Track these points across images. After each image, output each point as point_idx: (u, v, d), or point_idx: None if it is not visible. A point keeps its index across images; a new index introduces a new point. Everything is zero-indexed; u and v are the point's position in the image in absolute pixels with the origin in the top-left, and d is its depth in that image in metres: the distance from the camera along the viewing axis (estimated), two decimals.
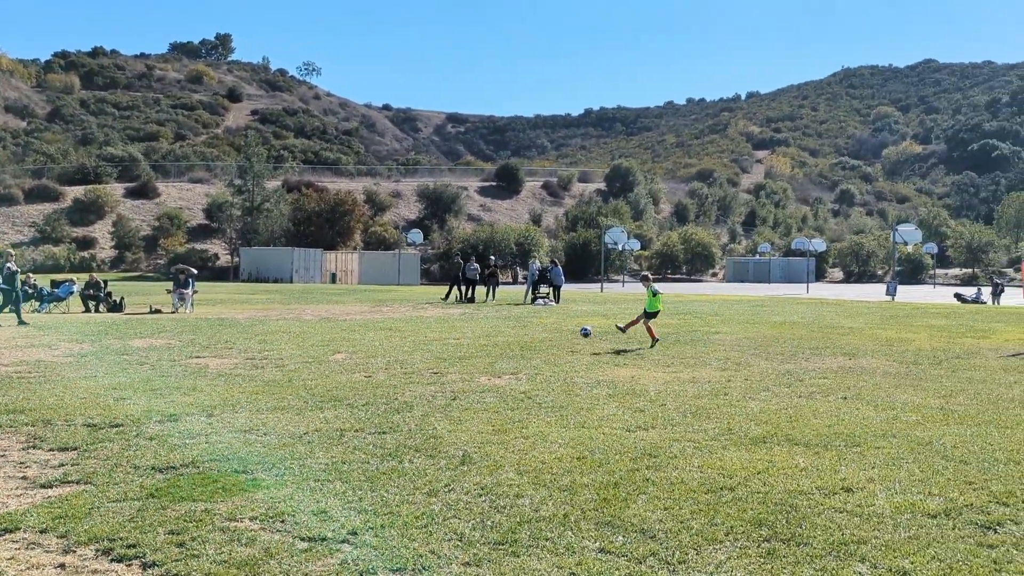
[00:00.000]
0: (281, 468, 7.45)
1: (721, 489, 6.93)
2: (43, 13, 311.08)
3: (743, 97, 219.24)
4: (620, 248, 62.70)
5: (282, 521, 6.05)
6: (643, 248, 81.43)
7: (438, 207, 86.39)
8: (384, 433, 8.90)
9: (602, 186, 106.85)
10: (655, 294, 18.06)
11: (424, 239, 72.86)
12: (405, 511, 6.27)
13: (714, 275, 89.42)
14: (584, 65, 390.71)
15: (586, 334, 18.73)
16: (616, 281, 69.35)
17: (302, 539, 5.71)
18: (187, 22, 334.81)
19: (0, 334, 19.39)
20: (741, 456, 8.03)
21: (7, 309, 22.66)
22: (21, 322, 22.08)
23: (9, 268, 22.76)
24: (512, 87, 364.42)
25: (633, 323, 18.42)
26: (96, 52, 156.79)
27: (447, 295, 34.88)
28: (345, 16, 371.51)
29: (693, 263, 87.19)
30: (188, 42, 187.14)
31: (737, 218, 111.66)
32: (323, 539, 5.71)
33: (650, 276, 19.27)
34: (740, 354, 16.06)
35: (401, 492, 6.75)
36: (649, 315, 17.84)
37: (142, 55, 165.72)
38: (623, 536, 5.84)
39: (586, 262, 74.62)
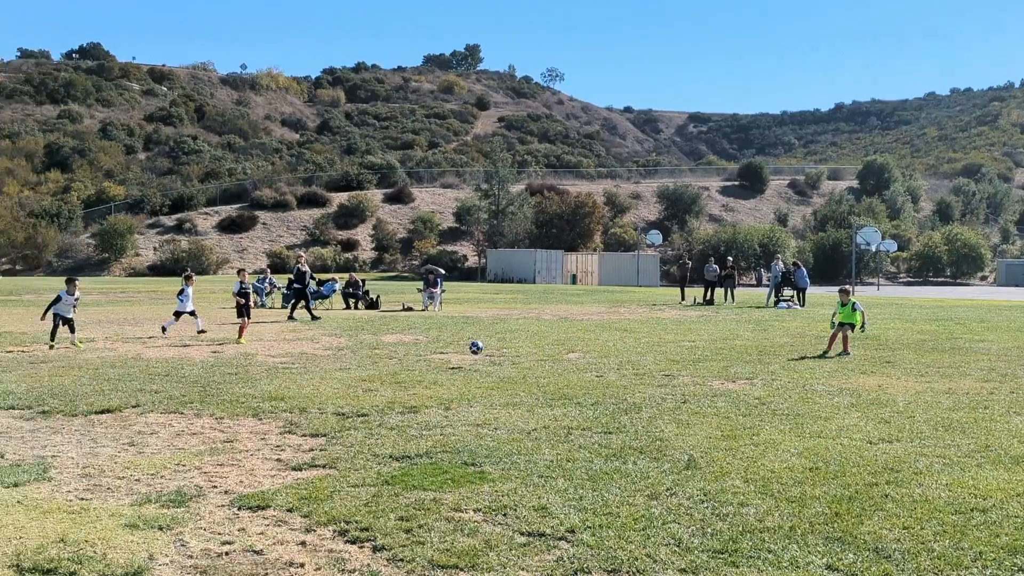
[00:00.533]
0: (508, 463, 7.64)
1: (972, 510, 6.37)
2: (313, 33, 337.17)
3: (1016, 84, 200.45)
4: (874, 249, 59.15)
5: (504, 514, 6.19)
6: (901, 249, 76.35)
7: (678, 208, 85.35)
8: (610, 433, 8.91)
9: (854, 184, 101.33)
10: (855, 309, 16.64)
11: (664, 240, 72.27)
12: (624, 512, 6.24)
13: (983, 278, 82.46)
14: (834, 58, 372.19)
15: (475, 350, 15.67)
16: (871, 284, 65.56)
17: (521, 533, 5.82)
18: (439, 35, 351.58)
19: (273, 328, 21.20)
20: (998, 476, 7.35)
21: (300, 304, 24.71)
22: (291, 318, 24.01)
23: (299, 269, 24.93)
24: (757, 84, 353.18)
25: (834, 339, 16.57)
26: (359, 67, 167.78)
27: (682, 297, 34.55)
28: (587, 21, 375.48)
29: (958, 265, 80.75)
30: (440, 54, 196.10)
31: (1010, 216, 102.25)
32: (542, 535, 5.79)
33: (850, 290, 17.79)
34: (1007, 364, 14.71)
35: (622, 493, 6.73)
36: (846, 325, 16.48)
37: (399, 68, 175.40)
38: (854, 554, 5.50)
39: (836, 264, 71.04)
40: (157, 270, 69.28)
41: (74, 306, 17.22)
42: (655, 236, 65.47)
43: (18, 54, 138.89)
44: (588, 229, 75.19)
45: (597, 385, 12.13)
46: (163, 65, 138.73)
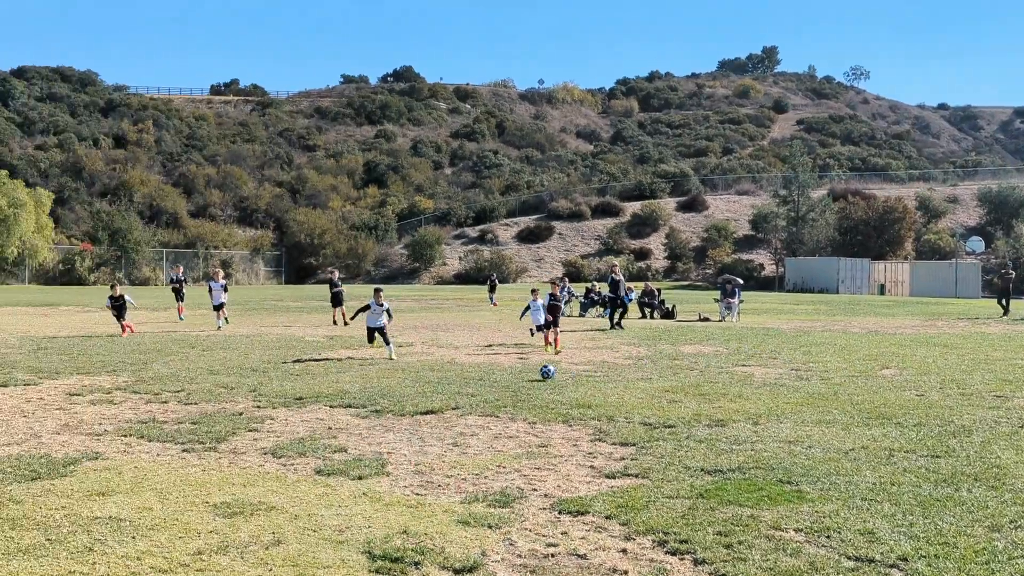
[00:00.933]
0: (826, 483, 7.35)
1: None
2: (607, 45, 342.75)
3: None
4: None
5: (827, 536, 5.97)
6: None
7: (1003, 212, 77.80)
8: (938, 457, 8.31)
9: None
10: None
11: (986, 247, 66.23)
12: (962, 543, 5.80)
13: None
14: None
15: (546, 375, 13.85)
16: None
17: (848, 557, 5.58)
18: (735, 39, 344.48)
19: (572, 336, 21.78)
20: None
21: (611, 313, 25.27)
22: (615, 325, 24.38)
23: (613, 278, 25.40)
24: None
25: None
26: (652, 76, 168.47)
27: (1004, 310, 31.55)
28: (895, 15, 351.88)
29: None
30: (735, 58, 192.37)
31: None
32: (871, 560, 5.52)
33: None
34: None
35: (957, 522, 6.26)
36: None
37: (693, 75, 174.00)
38: None
39: None
40: (462, 278, 73.55)
41: (384, 314, 17.51)
42: (976, 243, 60.19)
43: (341, 80, 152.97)
44: (898, 236, 70.59)
45: (918, 405, 11.36)
46: (467, 84, 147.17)
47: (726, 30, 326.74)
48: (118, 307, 22.17)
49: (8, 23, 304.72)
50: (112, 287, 23.14)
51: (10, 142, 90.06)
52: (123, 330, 21.83)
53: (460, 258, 77.41)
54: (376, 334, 17.43)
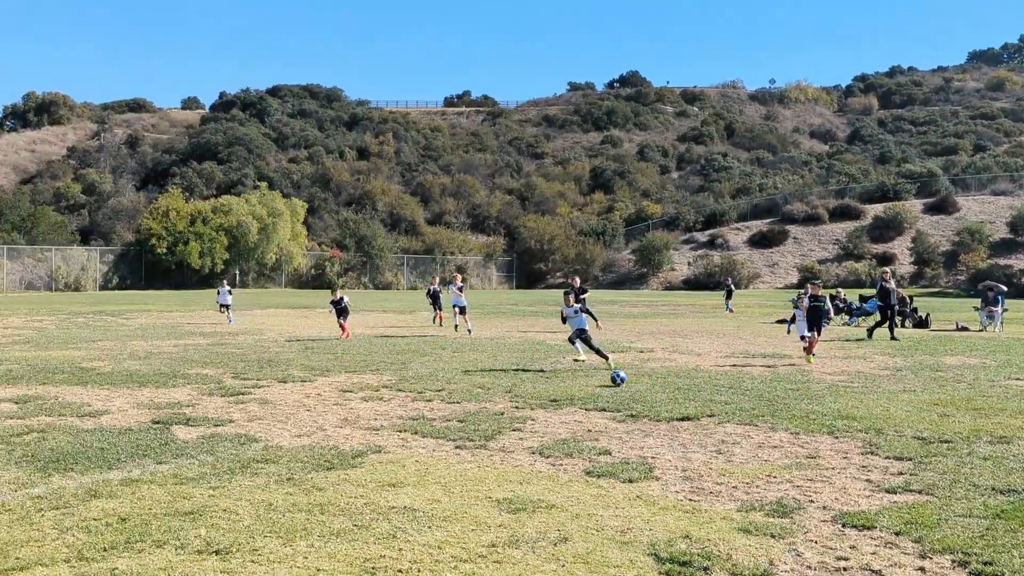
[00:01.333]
0: None
1: None
2: (843, 41, 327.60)
3: None
4: None
5: None
6: None
7: None
8: None
9: None
10: None
11: None
12: None
13: None
14: None
15: (618, 381, 13.65)
16: None
17: None
18: (987, 28, 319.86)
19: (820, 345, 20.95)
20: None
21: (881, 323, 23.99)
22: (893, 338, 22.83)
23: (883, 285, 23.97)
24: None
25: None
26: (893, 71, 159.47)
27: None
28: None
29: None
30: (988, 49, 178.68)
31: None
32: None
33: None
34: None
35: None
36: None
37: (939, 68, 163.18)
38: None
39: None
40: (691, 284, 72.52)
41: (578, 315, 16.40)
42: None
43: (568, 88, 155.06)
44: None
45: None
46: (694, 87, 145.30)
47: (977, 19, 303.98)
48: (339, 309, 22.87)
49: (263, 46, 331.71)
50: (333, 290, 24.28)
51: (267, 156, 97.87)
52: (343, 331, 22.64)
53: (689, 263, 76.40)
54: (578, 338, 16.36)
